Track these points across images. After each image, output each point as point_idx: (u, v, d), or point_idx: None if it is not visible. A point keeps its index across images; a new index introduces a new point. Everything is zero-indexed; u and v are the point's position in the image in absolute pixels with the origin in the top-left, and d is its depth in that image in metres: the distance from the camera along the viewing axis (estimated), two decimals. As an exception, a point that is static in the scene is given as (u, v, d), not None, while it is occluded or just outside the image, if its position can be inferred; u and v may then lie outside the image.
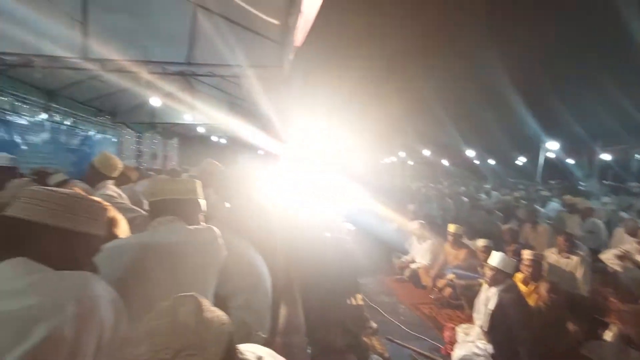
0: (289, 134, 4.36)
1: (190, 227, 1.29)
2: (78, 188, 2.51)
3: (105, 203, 1.01)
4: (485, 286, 3.10)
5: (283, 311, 2.05)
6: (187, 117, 8.68)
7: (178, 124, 9.50)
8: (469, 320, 3.55)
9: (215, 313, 0.65)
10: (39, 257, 0.78)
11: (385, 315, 3.36)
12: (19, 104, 6.14)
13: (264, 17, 3.96)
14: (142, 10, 4.28)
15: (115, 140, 9.25)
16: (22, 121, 6.21)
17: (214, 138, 11.60)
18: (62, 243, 0.82)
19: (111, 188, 2.17)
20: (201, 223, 1.39)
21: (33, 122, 6.48)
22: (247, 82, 4.84)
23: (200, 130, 10.04)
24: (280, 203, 2.80)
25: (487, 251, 3.58)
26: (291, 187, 3.33)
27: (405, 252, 5.11)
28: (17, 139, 6.05)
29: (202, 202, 1.41)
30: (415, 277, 4.58)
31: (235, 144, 12.02)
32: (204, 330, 0.61)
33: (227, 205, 2.26)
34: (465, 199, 8.53)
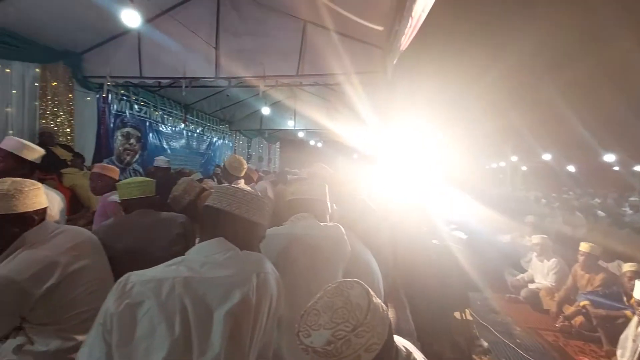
0: (391, 137, 4.35)
1: (322, 223, 1.46)
2: (209, 185, 3.02)
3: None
4: (635, 320, 2.56)
5: (392, 314, 2.07)
6: (290, 123, 9.42)
7: (281, 129, 10.40)
8: (608, 356, 3.04)
9: (379, 300, 0.75)
10: (230, 239, 1.00)
11: (499, 335, 3.05)
12: (166, 116, 7.61)
13: (369, 24, 4.06)
14: (261, 32, 4.87)
15: (231, 145, 10.66)
16: (167, 130, 7.69)
17: (312, 142, 12.31)
18: (244, 229, 1.03)
19: (242, 186, 2.55)
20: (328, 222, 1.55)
21: (174, 130, 7.96)
22: (349, 88, 5.03)
23: (300, 134, 10.77)
24: (386, 207, 2.83)
25: (636, 278, 2.95)
26: (396, 191, 3.32)
27: (521, 269, 4.53)
28: (164, 144, 7.51)
29: (329, 204, 1.57)
30: (534, 299, 4.02)
31: (332, 148, 12.50)
32: (374, 313, 0.71)
33: (335, 207, 2.40)
34: (602, 213, 7.25)
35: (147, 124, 6.88)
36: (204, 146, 9.17)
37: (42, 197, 1.24)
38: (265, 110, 7.11)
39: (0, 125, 4.27)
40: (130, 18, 3.42)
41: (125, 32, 4.85)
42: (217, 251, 0.96)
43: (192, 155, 8.65)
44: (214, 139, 9.63)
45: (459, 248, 2.45)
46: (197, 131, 8.84)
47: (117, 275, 1.51)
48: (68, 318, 1.21)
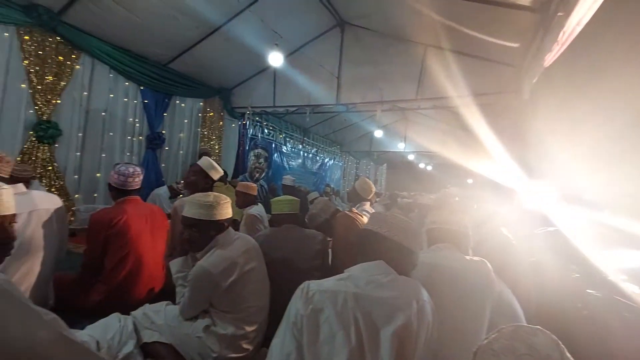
0: (527, 163, 3.88)
1: (467, 256, 1.41)
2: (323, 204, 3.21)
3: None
4: None
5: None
6: (400, 145, 9.32)
7: (390, 151, 10.38)
8: None
9: (569, 356, 0.68)
10: (388, 262, 1.07)
11: None
12: (288, 138, 8.52)
13: (503, 42, 3.79)
14: (381, 60, 5.07)
15: (341, 165, 11.16)
16: (288, 151, 8.57)
17: (421, 165, 11.90)
18: (401, 255, 1.10)
19: (367, 208, 2.68)
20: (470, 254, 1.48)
21: (293, 151, 8.82)
22: (471, 110, 4.73)
23: (410, 157, 10.52)
24: (525, 242, 2.51)
25: None
26: (537, 225, 2.91)
27: None
28: (285, 163, 8.39)
29: (471, 235, 1.51)
30: None
31: (443, 172, 11.79)
32: None
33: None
34: None
35: (273, 145, 7.83)
36: (316, 166, 9.87)
37: (230, 209, 1.56)
38: (378, 133, 7.26)
39: (175, 146, 5.52)
40: (276, 59, 4.04)
41: (264, 69, 5.73)
42: (379, 272, 1.04)
43: (307, 174, 9.38)
44: (326, 160, 10.27)
45: (630, 306, 1.97)
46: (312, 152, 9.59)
47: (270, 279, 1.76)
48: (241, 309, 1.47)
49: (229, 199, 1.55)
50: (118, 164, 1.99)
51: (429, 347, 1.02)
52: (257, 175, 7.30)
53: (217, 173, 2.32)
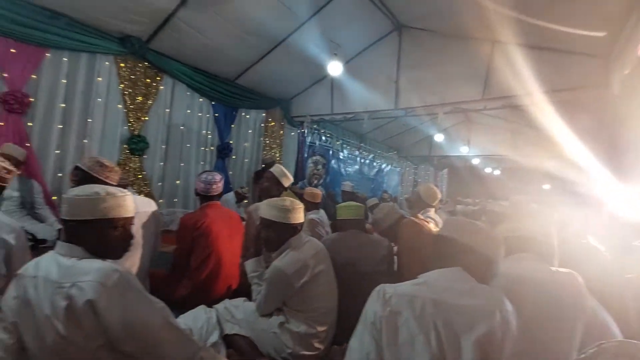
0: (614, 166, 3.42)
1: (552, 268, 1.29)
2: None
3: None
4: None
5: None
6: (463, 149, 8.81)
7: (452, 156, 9.85)
8: None
9: None
10: (466, 269, 1.05)
11: None
12: (345, 145, 8.59)
13: (585, 32, 3.41)
14: (442, 61, 4.88)
15: (398, 170, 10.89)
16: (345, 157, 8.63)
17: (487, 169, 11.08)
18: (481, 263, 1.06)
19: (432, 214, 2.59)
20: (554, 264, 1.36)
21: (350, 157, 8.85)
22: (545, 108, 4.29)
23: (475, 161, 9.88)
24: (619, 254, 2.22)
25: None
26: (630, 237, 2.55)
27: None
28: (342, 170, 8.45)
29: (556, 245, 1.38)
30: None
31: (513, 176, 10.84)
32: None
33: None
34: None
35: (330, 152, 7.96)
36: (373, 172, 9.77)
37: (302, 214, 1.65)
38: (439, 137, 6.97)
39: (240, 154, 5.93)
40: (335, 68, 4.15)
41: (322, 78, 5.89)
42: (457, 280, 1.02)
43: (363, 180, 9.33)
44: (383, 165, 10.12)
45: None
46: (369, 158, 9.53)
47: (337, 281, 1.80)
48: (312, 309, 1.54)
49: (302, 205, 1.64)
50: (202, 172, 2.24)
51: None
52: (315, 181, 7.47)
53: (287, 180, 2.46)
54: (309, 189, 3.28)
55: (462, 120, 8.35)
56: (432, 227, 2.18)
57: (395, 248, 2.17)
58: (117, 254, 1.12)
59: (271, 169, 2.46)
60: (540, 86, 3.98)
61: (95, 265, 0.99)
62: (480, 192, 11.48)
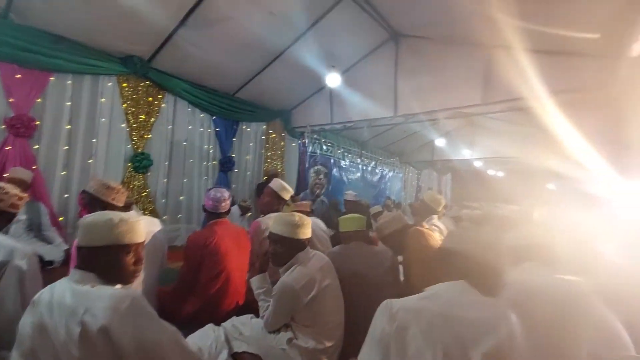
0: (618, 165, 3.41)
1: (558, 276, 1.29)
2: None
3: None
4: None
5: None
6: (466, 152, 8.81)
7: (454, 159, 9.84)
8: None
9: None
10: (473, 283, 1.04)
11: None
12: (346, 153, 8.62)
13: (579, 34, 3.45)
14: (439, 67, 4.92)
15: (401, 176, 10.89)
16: (346, 165, 8.65)
17: (490, 172, 11.05)
18: (484, 275, 1.05)
19: (436, 222, 2.60)
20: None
21: (352, 165, 8.87)
22: (547, 109, 4.30)
23: (477, 164, 9.86)
24: (630, 258, 2.20)
25: None
26: (636, 240, 2.53)
27: None
28: (344, 178, 8.46)
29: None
30: None
31: (516, 178, 10.79)
32: None
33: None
34: None
35: (332, 161, 7.98)
36: (376, 179, 9.76)
37: (309, 229, 1.67)
38: (440, 142, 6.99)
39: (243, 167, 5.97)
40: (333, 80, 4.20)
41: (321, 88, 5.96)
42: (462, 293, 1.02)
43: (366, 187, 9.32)
44: (385, 172, 10.12)
45: None
46: (371, 165, 9.54)
47: (344, 294, 1.80)
48: (320, 324, 1.54)
49: (309, 220, 1.66)
50: (210, 189, 2.25)
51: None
52: (317, 191, 7.48)
53: (287, 193, 2.47)
54: (298, 203, 3.34)
55: (464, 124, 8.36)
56: (437, 235, 2.18)
57: (401, 257, 2.17)
58: (128, 279, 1.14)
59: (270, 184, 2.48)
60: (539, 89, 4.00)
61: (107, 292, 1.01)
62: (484, 195, 11.41)
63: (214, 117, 5.31)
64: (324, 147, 7.78)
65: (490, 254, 1.05)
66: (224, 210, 2.16)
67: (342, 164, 8.45)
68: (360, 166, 9.18)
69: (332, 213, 6.60)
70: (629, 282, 1.81)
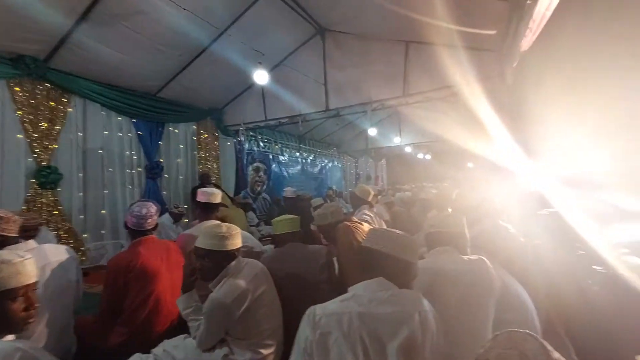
0: (517, 144, 3.92)
1: (465, 257, 1.46)
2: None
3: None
4: None
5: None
6: (396, 140, 9.37)
7: (387, 146, 10.42)
8: None
9: (558, 355, 0.73)
10: (389, 278, 1.12)
11: None
12: (284, 148, 8.58)
13: (479, 31, 3.85)
14: (364, 62, 5.13)
15: (340, 166, 11.21)
16: (286, 160, 8.63)
17: (419, 156, 11.94)
18: (401, 269, 1.14)
19: (365, 211, 2.75)
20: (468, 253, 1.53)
21: (291, 159, 8.88)
22: (461, 97, 4.78)
23: (407, 149, 10.56)
24: (527, 227, 2.56)
25: None
26: (535, 208, 2.95)
27: None
28: (284, 173, 8.45)
29: (468, 235, 1.56)
30: None
31: (441, 159, 11.84)
32: None
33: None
34: None
35: (270, 157, 7.90)
36: (316, 170, 9.93)
37: (240, 238, 1.62)
38: (372, 131, 7.31)
39: (174, 172, 5.59)
40: (261, 77, 4.11)
41: (252, 85, 5.81)
42: (380, 289, 1.09)
43: (307, 180, 9.43)
44: (325, 163, 10.33)
45: (632, 277, 2.01)
46: (310, 158, 9.65)
47: (280, 297, 1.81)
48: (256, 334, 1.53)
49: (239, 229, 1.61)
50: (134, 204, 2.05)
51: (436, 355, 1.07)
52: (258, 188, 7.36)
53: (216, 196, 2.37)
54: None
55: (392, 113, 8.85)
56: (367, 227, 2.30)
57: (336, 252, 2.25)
58: (19, 328, 1.01)
59: (197, 197, 2.35)
60: (450, 79, 4.40)
61: None
62: (416, 176, 12.35)
63: (134, 120, 4.86)
64: (261, 144, 7.66)
65: (405, 248, 1.14)
66: (150, 227, 1.99)
67: (281, 159, 8.41)
68: (300, 159, 9.23)
69: (275, 210, 6.57)
70: (524, 254, 2.12)
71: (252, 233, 5.36)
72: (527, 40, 3.03)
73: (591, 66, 2.50)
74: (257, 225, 6.29)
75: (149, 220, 1.98)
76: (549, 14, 2.49)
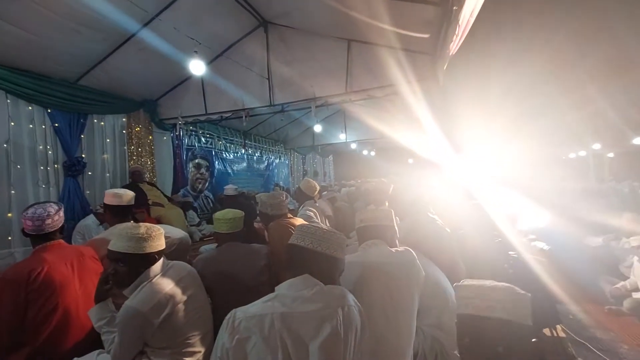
0: (448, 142, 4.23)
1: (392, 249, 1.51)
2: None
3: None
4: None
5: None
6: (341, 136, 9.56)
7: (333, 143, 10.59)
8: None
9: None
10: (315, 274, 1.11)
11: (600, 354, 2.71)
12: (228, 144, 8.26)
13: (414, 34, 4.05)
14: (308, 57, 5.11)
15: (287, 163, 11.13)
16: (230, 156, 8.33)
17: (364, 152, 12.32)
18: (327, 265, 1.13)
19: (310, 207, 2.74)
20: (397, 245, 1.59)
21: (236, 156, 8.59)
22: (399, 97, 5.00)
23: (353, 146, 10.84)
24: (452, 218, 2.76)
25: None
26: (460, 200, 3.21)
27: (620, 276, 3.98)
28: (229, 169, 8.14)
29: (396, 227, 1.62)
30: None
31: (384, 156, 12.37)
32: None
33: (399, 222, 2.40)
34: None
35: (213, 153, 7.55)
36: (262, 167, 9.74)
37: (162, 240, 1.49)
38: (317, 128, 7.36)
39: (99, 169, 5.05)
40: (197, 67, 3.87)
41: (190, 77, 5.46)
42: (305, 287, 1.07)
43: (254, 177, 9.22)
44: (272, 159, 10.17)
45: (541, 260, 2.28)
46: (256, 154, 9.43)
47: (216, 301, 1.72)
48: (180, 342, 1.42)
49: (161, 230, 1.47)
50: (28, 207, 1.77)
51: (361, 349, 1.08)
52: (199, 186, 6.99)
53: (126, 197, 2.16)
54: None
55: (337, 110, 9.00)
56: (298, 224, 2.30)
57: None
58: None
59: (104, 200, 2.12)
60: (389, 79, 4.58)
61: None
62: (361, 172, 12.76)
63: (49, 111, 4.27)
64: (203, 140, 7.28)
65: (331, 245, 1.13)
66: (52, 230, 1.74)
67: (224, 156, 8.09)
68: (245, 156, 8.97)
69: (218, 208, 6.28)
70: (450, 244, 2.27)
71: (192, 233, 5.10)
72: (455, 45, 3.25)
73: (508, 70, 2.74)
74: (199, 224, 5.99)
75: (48, 221, 1.73)
76: (472, 20, 2.69)
